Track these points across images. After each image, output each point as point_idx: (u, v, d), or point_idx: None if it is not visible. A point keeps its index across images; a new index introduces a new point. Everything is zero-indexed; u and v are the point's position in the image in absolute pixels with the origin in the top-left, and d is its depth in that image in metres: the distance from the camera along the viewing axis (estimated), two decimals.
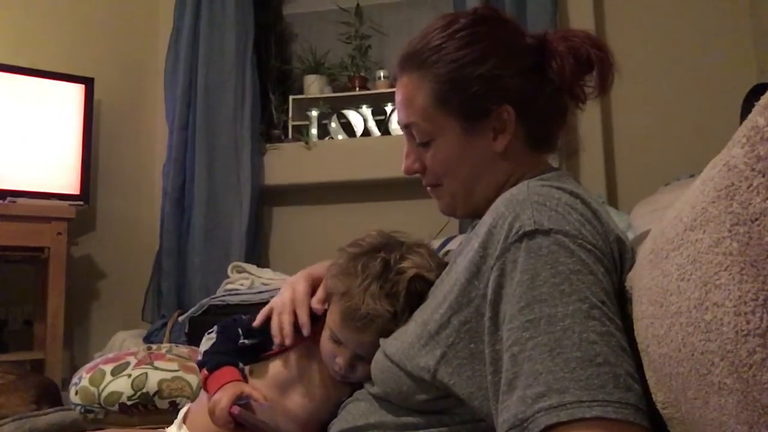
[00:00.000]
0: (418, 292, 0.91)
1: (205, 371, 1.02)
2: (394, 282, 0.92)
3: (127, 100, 3.04)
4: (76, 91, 2.71)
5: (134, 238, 2.96)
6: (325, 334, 1.01)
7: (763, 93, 0.46)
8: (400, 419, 0.84)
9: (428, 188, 1.00)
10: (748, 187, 0.44)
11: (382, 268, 0.93)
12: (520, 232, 0.75)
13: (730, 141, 0.50)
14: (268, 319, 1.05)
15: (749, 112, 0.47)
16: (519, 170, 0.93)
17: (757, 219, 0.43)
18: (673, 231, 0.58)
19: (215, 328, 1.09)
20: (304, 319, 1.00)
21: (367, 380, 0.92)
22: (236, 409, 0.94)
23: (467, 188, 0.94)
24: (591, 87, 0.93)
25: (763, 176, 0.43)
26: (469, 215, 0.98)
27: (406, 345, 0.83)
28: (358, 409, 0.90)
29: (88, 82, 2.73)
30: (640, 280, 0.67)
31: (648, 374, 0.66)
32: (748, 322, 0.44)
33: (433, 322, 0.81)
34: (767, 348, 0.42)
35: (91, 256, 2.89)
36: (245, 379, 1.03)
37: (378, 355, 0.89)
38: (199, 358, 1.06)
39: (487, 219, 0.82)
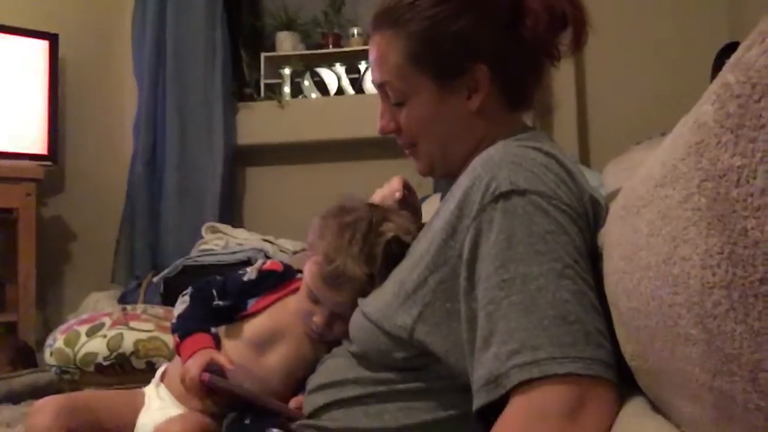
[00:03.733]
0: (394, 254, 0.91)
1: (176, 338, 1.03)
2: (372, 244, 0.93)
3: (93, 56, 2.95)
4: (40, 47, 2.62)
5: (105, 198, 2.91)
6: (302, 293, 1.02)
7: (733, 51, 0.47)
8: (377, 375, 0.85)
9: (406, 150, 0.99)
10: (717, 144, 0.45)
11: (363, 229, 0.94)
12: (496, 193, 0.76)
13: (700, 99, 0.50)
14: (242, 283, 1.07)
15: (720, 70, 0.48)
16: (494, 129, 0.93)
17: (724, 175, 0.44)
18: (643, 188, 0.59)
19: (189, 290, 1.09)
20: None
21: (345, 338, 0.93)
22: (206, 376, 0.95)
23: (443, 147, 0.94)
24: (565, 45, 0.92)
25: (732, 133, 0.44)
26: (447, 175, 0.98)
27: (383, 304, 0.84)
28: (337, 364, 0.91)
29: (52, 39, 2.64)
30: (611, 236, 0.68)
31: (617, 328, 0.68)
32: (713, 275, 0.45)
33: (410, 281, 0.82)
34: (731, 299, 0.44)
35: (61, 217, 2.84)
36: (218, 343, 1.03)
37: (356, 315, 0.90)
38: (173, 321, 1.06)
39: (463, 180, 0.82)
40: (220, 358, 0.98)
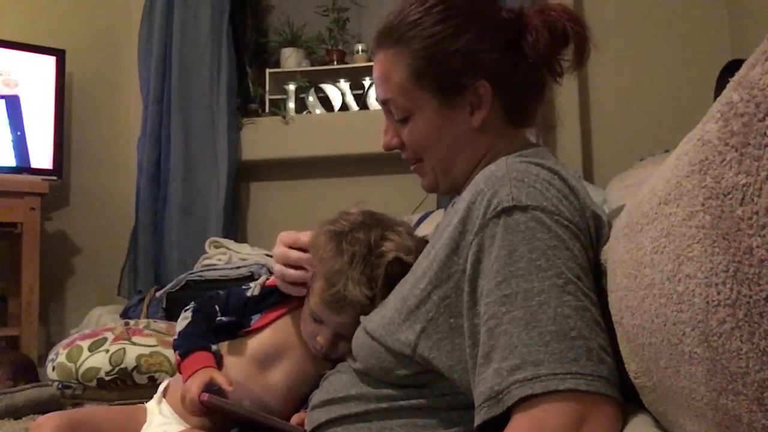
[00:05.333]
0: (395, 274, 0.91)
1: (177, 356, 1.02)
2: (373, 266, 0.92)
3: (100, 72, 2.97)
4: (48, 63, 2.65)
5: (109, 213, 2.92)
6: (306, 313, 1.02)
7: (737, 69, 0.47)
8: (380, 391, 0.85)
9: (411, 166, 1.00)
10: (722, 162, 0.45)
11: (363, 251, 0.93)
12: (499, 208, 0.76)
13: (704, 117, 0.50)
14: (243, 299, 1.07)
15: (723, 88, 0.48)
16: (497, 145, 0.93)
17: (729, 193, 0.44)
18: (647, 205, 0.59)
19: (191, 306, 1.09)
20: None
21: (348, 355, 0.93)
22: (205, 396, 0.95)
23: (446, 163, 0.95)
24: (568, 61, 0.93)
25: (736, 151, 0.44)
26: (451, 191, 0.98)
27: (386, 321, 0.84)
28: (340, 380, 0.91)
29: (59, 54, 2.67)
30: (615, 253, 0.68)
31: (621, 345, 0.68)
32: (718, 293, 0.45)
33: (413, 297, 0.82)
34: (736, 318, 0.43)
35: (65, 232, 2.85)
36: (220, 360, 1.03)
37: (358, 332, 0.89)
38: (175, 337, 1.06)
39: (466, 195, 0.83)
40: (220, 378, 0.98)
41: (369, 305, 0.91)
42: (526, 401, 0.67)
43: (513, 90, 0.92)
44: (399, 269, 0.91)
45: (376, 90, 0.98)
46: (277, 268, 1.05)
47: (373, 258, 0.93)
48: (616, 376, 0.69)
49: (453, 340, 0.78)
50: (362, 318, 0.90)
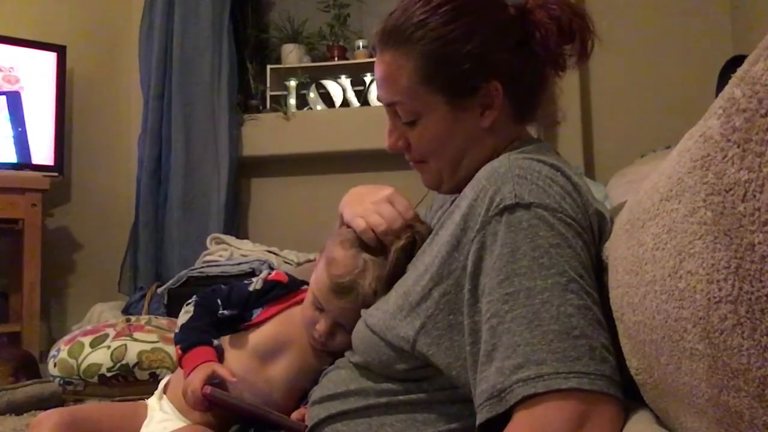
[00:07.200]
0: (400, 263, 0.91)
1: (178, 350, 1.03)
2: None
3: (100, 68, 2.97)
4: (48, 59, 2.64)
5: (110, 209, 2.93)
6: (308, 300, 1.02)
7: (739, 65, 0.47)
8: (379, 386, 0.85)
9: (412, 163, 0.98)
10: (723, 158, 0.45)
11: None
12: (501, 206, 0.76)
13: (706, 113, 0.50)
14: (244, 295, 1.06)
15: (725, 84, 0.48)
16: (503, 143, 0.92)
17: (731, 189, 0.44)
18: (649, 201, 0.59)
19: (193, 299, 1.09)
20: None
21: (347, 350, 0.93)
22: (207, 389, 0.95)
23: (453, 164, 0.93)
24: (570, 55, 0.92)
25: (738, 147, 0.44)
26: (454, 190, 0.96)
27: (387, 315, 0.84)
28: (339, 376, 0.91)
29: (60, 50, 2.67)
30: (617, 249, 0.68)
31: (622, 341, 0.68)
32: (720, 290, 0.45)
33: (414, 293, 0.81)
34: (738, 314, 0.43)
35: (66, 228, 2.85)
36: (221, 354, 1.03)
37: (359, 325, 0.89)
38: (176, 331, 1.06)
39: (468, 192, 0.82)
40: (222, 371, 0.98)
41: (372, 295, 0.92)
42: (528, 400, 0.67)
43: (523, 88, 0.91)
44: (404, 260, 0.91)
45: (379, 91, 0.95)
46: (375, 220, 0.96)
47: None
48: (617, 375, 0.69)
49: (452, 337, 0.78)
50: (363, 312, 0.90)
